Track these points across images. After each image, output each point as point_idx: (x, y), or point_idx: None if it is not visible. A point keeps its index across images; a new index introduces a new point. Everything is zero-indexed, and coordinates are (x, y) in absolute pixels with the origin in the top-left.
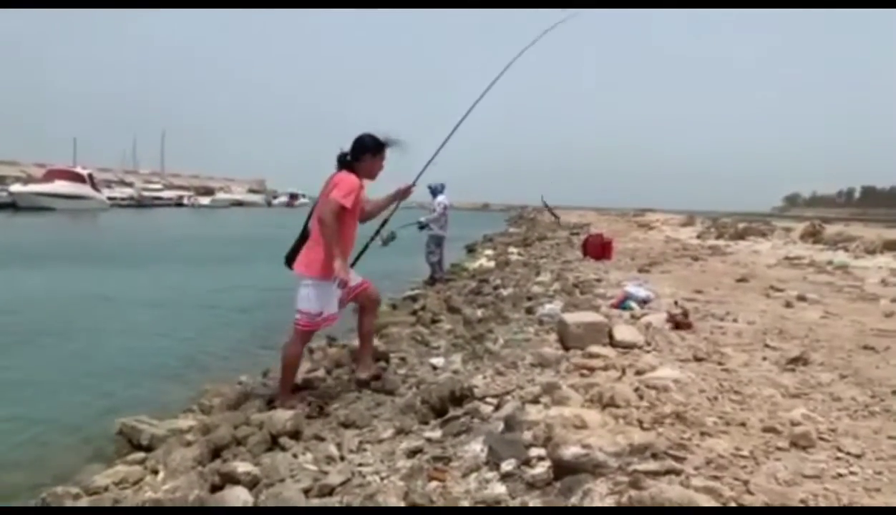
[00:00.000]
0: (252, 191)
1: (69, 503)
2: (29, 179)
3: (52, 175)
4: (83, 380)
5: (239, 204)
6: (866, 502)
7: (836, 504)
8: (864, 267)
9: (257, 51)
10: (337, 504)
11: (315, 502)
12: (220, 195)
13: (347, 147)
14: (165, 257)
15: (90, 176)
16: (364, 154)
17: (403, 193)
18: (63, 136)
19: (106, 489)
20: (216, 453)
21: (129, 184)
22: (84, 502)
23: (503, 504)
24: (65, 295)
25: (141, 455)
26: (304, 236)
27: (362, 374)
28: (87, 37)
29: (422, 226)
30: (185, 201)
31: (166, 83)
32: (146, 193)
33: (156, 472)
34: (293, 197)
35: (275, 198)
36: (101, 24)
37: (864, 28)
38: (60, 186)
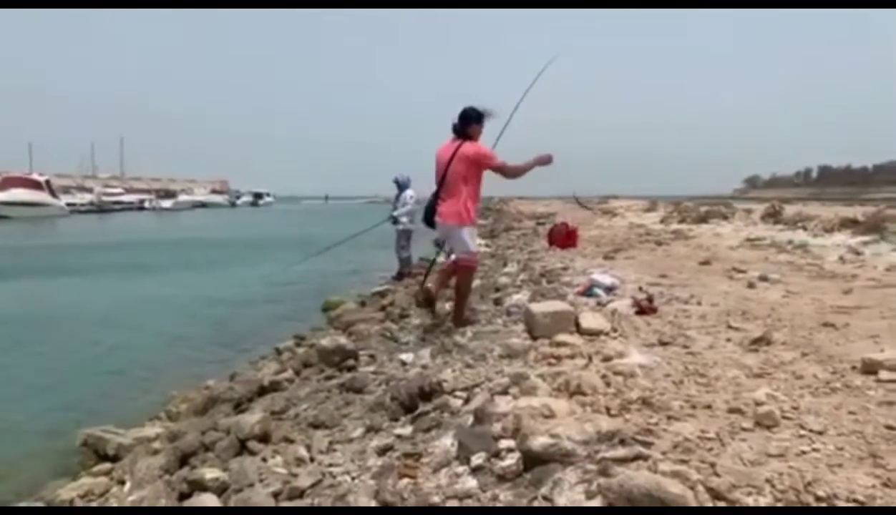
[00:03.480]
0: (215, 191)
1: None
2: None
3: (7, 183)
4: (46, 392)
5: (202, 205)
6: (829, 478)
7: (799, 482)
8: (823, 245)
9: (215, 51)
10: (308, 506)
11: (285, 505)
12: (183, 197)
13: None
14: (125, 264)
15: (48, 182)
16: (470, 124)
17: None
18: (17, 141)
19: (71, 502)
20: (184, 460)
21: (89, 190)
22: None
23: (474, 498)
24: (23, 308)
25: (107, 465)
26: (436, 197)
27: (455, 324)
28: (41, 37)
29: (395, 221)
30: (147, 204)
31: (123, 87)
32: (106, 198)
33: (122, 483)
34: (257, 196)
35: (238, 198)
36: (57, 24)
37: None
38: (17, 194)
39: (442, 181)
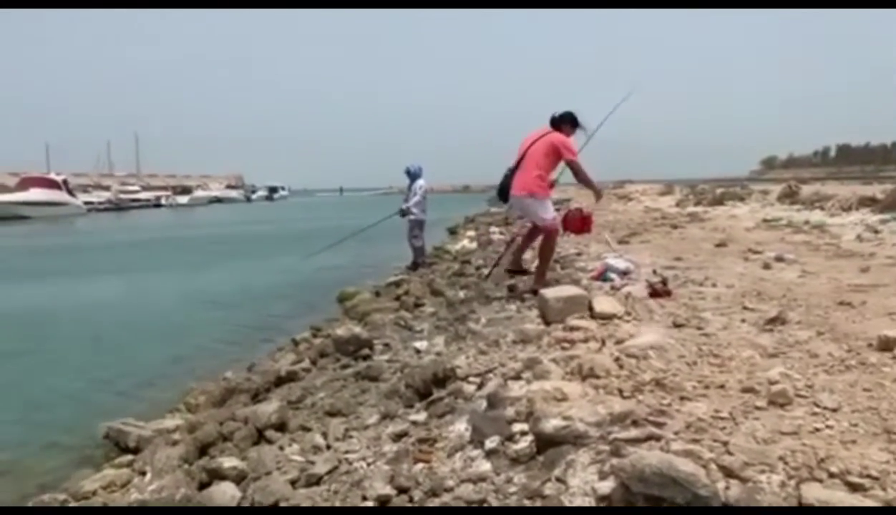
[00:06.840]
0: (230, 186)
1: None
2: (2, 189)
3: (26, 183)
4: (68, 388)
5: (218, 200)
6: (843, 454)
7: (813, 458)
8: (841, 224)
9: (226, 49)
10: (325, 493)
11: (303, 492)
12: (199, 193)
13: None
14: (144, 262)
15: (65, 181)
16: (565, 124)
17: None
18: (35, 142)
19: (94, 493)
20: (203, 450)
21: (106, 188)
22: None
23: (489, 481)
24: (47, 305)
25: (129, 457)
26: (511, 174)
27: (536, 285)
28: (56, 41)
29: (404, 214)
30: (164, 201)
31: (136, 85)
32: (123, 196)
33: (143, 474)
34: (272, 190)
35: (254, 192)
36: (71, 28)
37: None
38: (35, 194)
39: (520, 160)
